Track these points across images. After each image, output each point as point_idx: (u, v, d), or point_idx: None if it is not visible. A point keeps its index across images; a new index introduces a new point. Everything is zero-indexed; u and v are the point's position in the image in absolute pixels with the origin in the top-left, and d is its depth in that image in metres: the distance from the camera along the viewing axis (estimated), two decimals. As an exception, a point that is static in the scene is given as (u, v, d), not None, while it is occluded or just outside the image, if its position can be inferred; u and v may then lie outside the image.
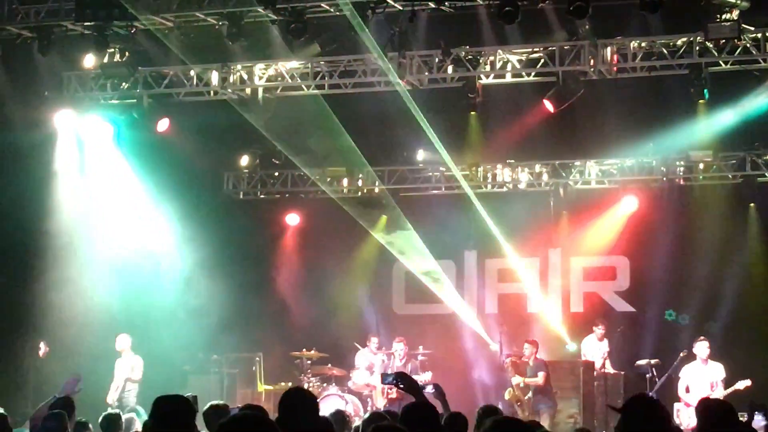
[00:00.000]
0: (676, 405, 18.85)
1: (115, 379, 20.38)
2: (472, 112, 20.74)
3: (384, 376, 10.91)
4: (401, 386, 9.49)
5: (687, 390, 18.86)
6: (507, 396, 20.16)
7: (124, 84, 21.10)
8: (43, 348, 20.49)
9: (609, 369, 21.09)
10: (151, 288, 23.09)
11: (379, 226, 25.04)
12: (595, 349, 21.40)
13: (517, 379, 20.04)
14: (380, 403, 20.64)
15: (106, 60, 20.62)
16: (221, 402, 11.58)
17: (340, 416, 11.80)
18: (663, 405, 6.62)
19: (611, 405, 6.53)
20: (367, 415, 9.29)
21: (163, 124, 21.30)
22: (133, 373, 20.39)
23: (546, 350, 22.85)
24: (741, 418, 16.59)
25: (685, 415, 18.34)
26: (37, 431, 10.72)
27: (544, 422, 19.03)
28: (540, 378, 19.85)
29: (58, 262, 21.45)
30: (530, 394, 19.91)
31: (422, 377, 20.52)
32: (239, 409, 9.83)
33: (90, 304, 21.46)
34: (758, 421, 12.94)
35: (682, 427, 16.56)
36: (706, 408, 7.53)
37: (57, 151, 21.91)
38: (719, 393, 18.47)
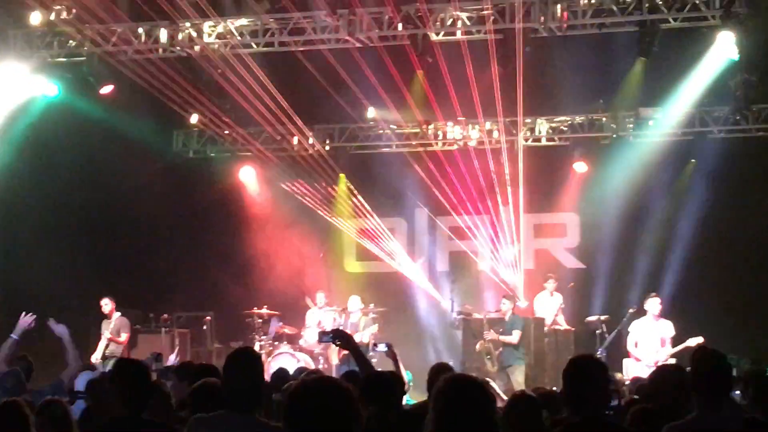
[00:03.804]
0: (626, 360, 18.97)
1: (102, 340, 20.36)
2: (419, 71, 20.68)
3: (321, 335, 10.87)
4: (338, 343, 9.47)
5: (636, 345, 18.97)
6: (478, 347, 20.11)
7: (71, 42, 20.87)
8: None
9: (562, 324, 21.19)
10: (101, 242, 23.07)
11: (339, 184, 25.01)
12: (548, 303, 21.47)
13: (491, 335, 19.93)
14: (335, 361, 20.69)
15: (52, 17, 20.38)
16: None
17: (282, 374, 11.86)
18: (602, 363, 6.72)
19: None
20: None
21: (107, 89, 21.10)
22: (120, 335, 20.41)
23: (497, 307, 22.98)
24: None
25: (633, 370, 18.45)
26: None
27: (518, 377, 19.11)
28: (514, 336, 19.73)
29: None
30: (501, 348, 19.86)
31: (370, 330, 20.63)
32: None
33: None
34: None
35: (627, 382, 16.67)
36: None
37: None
38: (668, 350, 18.62)
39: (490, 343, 19.91)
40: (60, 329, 11.71)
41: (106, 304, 20.60)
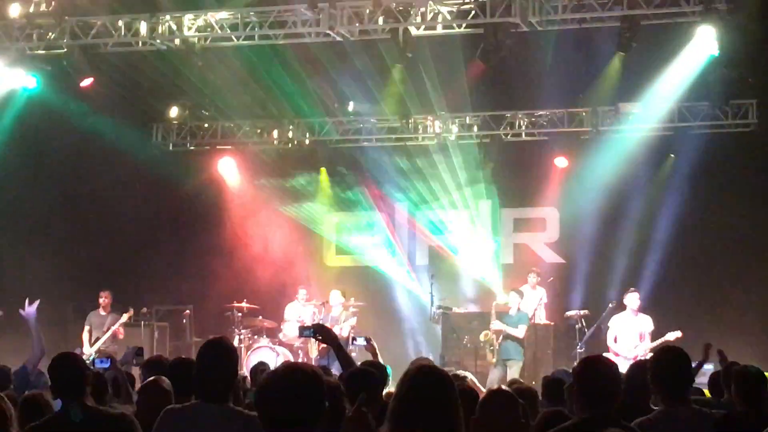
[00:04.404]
0: (605, 355, 18.97)
1: (94, 333, 20.15)
2: (397, 65, 20.67)
3: (301, 330, 10.84)
4: (319, 338, 9.48)
5: (615, 340, 19.01)
6: (482, 338, 19.92)
7: (50, 34, 20.77)
8: None
9: (542, 319, 21.15)
10: (78, 235, 23.06)
11: (319, 177, 24.96)
12: (530, 297, 21.33)
13: (497, 325, 19.59)
14: (314, 355, 20.67)
15: (32, 9, 20.29)
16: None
17: (260, 367, 11.86)
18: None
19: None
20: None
21: (87, 82, 21.05)
22: (120, 330, 20.28)
23: (476, 302, 23.02)
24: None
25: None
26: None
27: (515, 373, 18.94)
28: (520, 330, 19.47)
29: None
30: (501, 339, 19.54)
31: (350, 323, 20.57)
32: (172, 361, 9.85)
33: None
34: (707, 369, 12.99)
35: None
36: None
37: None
38: (647, 344, 18.66)
39: (494, 334, 19.76)
40: (29, 311, 11.62)
41: (106, 297, 20.41)
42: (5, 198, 22.56)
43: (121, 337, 20.15)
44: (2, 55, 20.95)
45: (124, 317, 20.06)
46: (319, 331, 9.22)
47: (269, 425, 4.83)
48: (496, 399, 6.72)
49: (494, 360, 19.53)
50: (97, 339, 19.90)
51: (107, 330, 20.02)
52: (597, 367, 6.57)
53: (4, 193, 22.49)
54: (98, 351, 19.37)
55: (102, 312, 20.29)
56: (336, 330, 19.05)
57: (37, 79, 21.33)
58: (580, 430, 6.30)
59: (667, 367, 7.17)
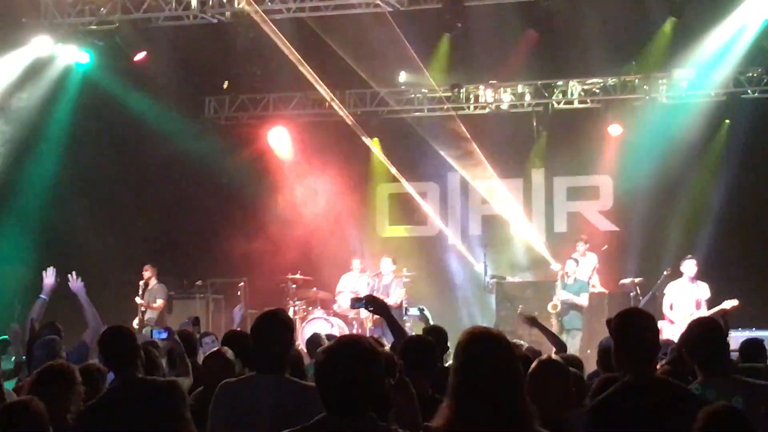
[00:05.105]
0: (660, 323, 18.91)
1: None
2: (449, 34, 20.59)
3: (353, 302, 10.85)
4: (371, 309, 9.53)
5: (671, 307, 18.91)
6: (551, 309, 19.84)
7: (102, 9, 20.88)
8: None
9: (596, 286, 21.04)
10: (135, 208, 23.27)
11: (372, 148, 24.90)
12: (584, 265, 21.21)
13: (564, 295, 19.72)
14: (369, 325, 20.70)
15: (83, -16, 20.44)
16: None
17: (315, 339, 11.92)
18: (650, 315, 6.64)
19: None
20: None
21: (140, 56, 21.18)
22: (155, 301, 20.69)
23: (530, 270, 22.95)
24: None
25: (668, 332, 18.39)
26: (29, 356, 10.53)
27: (577, 343, 18.96)
28: (584, 299, 19.65)
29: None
30: (563, 309, 19.60)
31: (401, 292, 20.54)
32: (225, 335, 9.93)
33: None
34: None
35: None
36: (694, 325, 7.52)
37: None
38: (703, 312, 18.51)
39: (561, 304, 19.69)
40: (76, 286, 11.63)
41: (146, 271, 20.75)
42: (70, 174, 22.68)
43: (156, 306, 20.53)
44: (55, 30, 21.09)
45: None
46: (371, 303, 9.27)
47: (330, 407, 4.97)
48: (547, 368, 6.72)
49: (556, 329, 19.49)
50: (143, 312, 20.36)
51: (142, 302, 20.48)
52: (634, 319, 6.45)
53: (66, 169, 22.58)
54: (140, 320, 19.88)
55: (149, 286, 20.71)
56: (390, 301, 19.12)
57: (90, 55, 21.47)
58: (623, 397, 6.25)
59: (697, 339, 7.07)
